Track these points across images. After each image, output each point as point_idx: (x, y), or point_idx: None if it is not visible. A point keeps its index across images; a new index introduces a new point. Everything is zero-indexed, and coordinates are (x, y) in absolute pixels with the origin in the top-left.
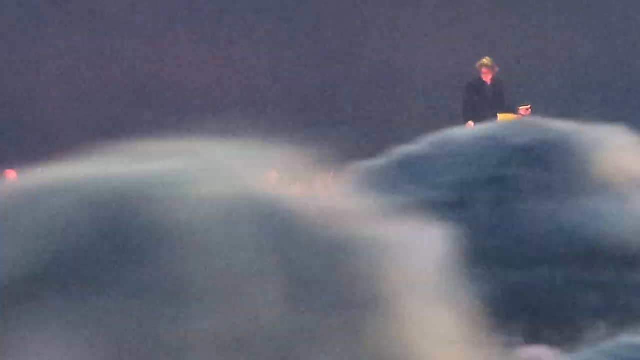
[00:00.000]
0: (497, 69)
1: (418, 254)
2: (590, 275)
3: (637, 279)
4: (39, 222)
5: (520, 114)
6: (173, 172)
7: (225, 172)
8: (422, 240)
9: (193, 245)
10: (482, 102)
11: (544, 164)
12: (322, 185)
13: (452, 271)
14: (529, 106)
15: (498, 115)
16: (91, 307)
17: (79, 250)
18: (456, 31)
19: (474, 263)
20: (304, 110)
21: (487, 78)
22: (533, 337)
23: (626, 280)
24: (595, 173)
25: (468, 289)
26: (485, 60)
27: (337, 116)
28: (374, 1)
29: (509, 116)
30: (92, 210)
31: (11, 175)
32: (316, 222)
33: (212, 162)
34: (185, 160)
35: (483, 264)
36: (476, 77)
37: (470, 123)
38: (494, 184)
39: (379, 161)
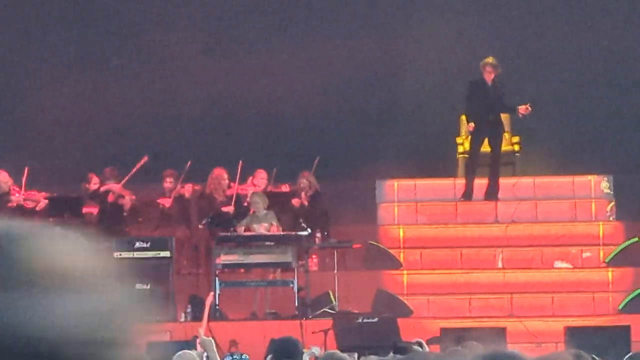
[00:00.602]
0: (500, 68)
1: None
2: None
3: None
4: None
5: (521, 113)
6: None
7: None
8: None
9: None
10: (484, 102)
11: None
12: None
13: None
14: (527, 105)
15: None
16: None
17: None
18: (457, 30)
19: None
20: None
21: (489, 78)
22: None
23: None
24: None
25: None
26: (489, 60)
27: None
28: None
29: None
30: None
31: (2, 176)
32: None
33: None
34: None
35: None
36: (479, 77)
37: (472, 125)
38: None
39: None
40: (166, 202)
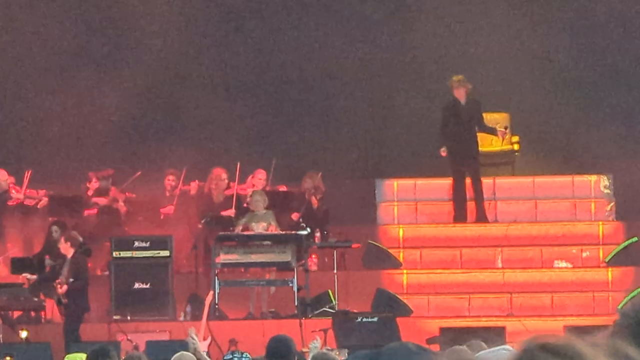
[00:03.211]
0: (469, 85)
1: None
2: None
3: None
4: None
5: (499, 135)
6: None
7: None
8: None
9: None
10: (458, 120)
11: None
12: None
13: None
14: (505, 128)
15: (477, 134)
16: None
17: None
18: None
19: None
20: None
21: (461, 95)
22: None
23: None
24: None
25: None
26: (456, 78)
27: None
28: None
29: (493, 137)
30: None
31: (1, 174)
32: None
33: None
34: None
35: None
36: (450, 99)
37: (444, 151)
38: None
39: None
40: (168, 210)
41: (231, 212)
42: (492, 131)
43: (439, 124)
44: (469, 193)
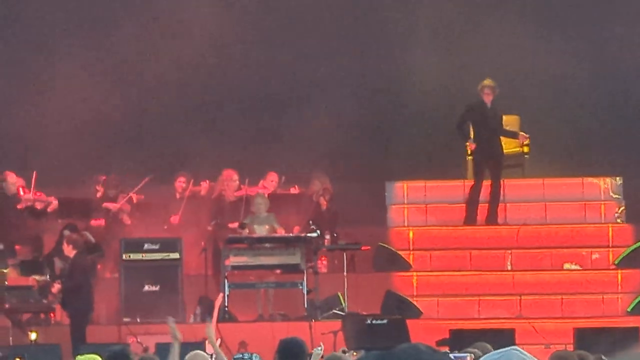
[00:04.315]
0: (497, 90)
1: None
2: None
3: None
4: None
5: (520, 140)
6: None
7: None
8: None
9: None
10: (483, 124)
11: None
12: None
13: None
14: (526, 134)
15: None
16: None
17: None
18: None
19: None
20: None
21: (489, 99)
22: None
23: None
24: None
25: None
26: (487, 82)
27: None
28: None
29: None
30: None
31: (10, 177)
32: None
33: None
34: None
35: None
36: (477, 100)
37: (471, 144)
38: None
39: None
40: (174, 220)
41: (236, 225)
42: (513, 135)
43: (456, 120)
44: (484, 195)
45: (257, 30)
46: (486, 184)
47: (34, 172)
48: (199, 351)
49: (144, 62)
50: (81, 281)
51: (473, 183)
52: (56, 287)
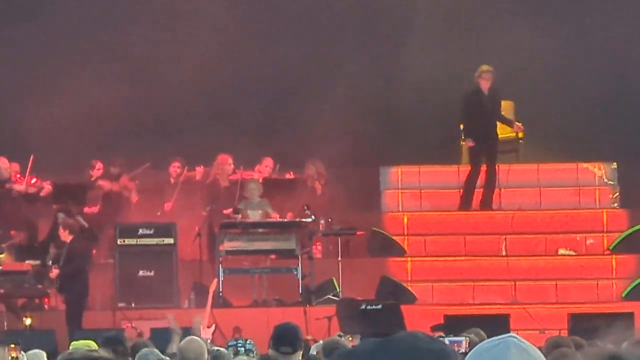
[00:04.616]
0: (494, 76)
1: None
2: None
3: None
4: None
5: (515, 129)
6: None
7: None
8: None
9: None
10: (480, 111)
11: None
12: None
13: None
14: (521, 125)
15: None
16: None
17: None
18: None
19: None
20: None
21: (486, 86)
22: None
23: None
24: None
25: None
26: (486, 67)
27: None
28: None
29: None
30: None
31: (3, 162)
32: None
33: None
34: None
35: None
36: (473, 88)
37: (470, 142)
38: None
39: None
40: (168, 207)
41: (230, 211)
42: (509, 122)
43: (460, 113)
44: (480, 181)
45: (255, 20)
46: (481, 169)
47: (31, 157)
48: (194, 337)
49: (143, 50)
50: (79, 266)
51: (470, 169)
52: (55, 272)
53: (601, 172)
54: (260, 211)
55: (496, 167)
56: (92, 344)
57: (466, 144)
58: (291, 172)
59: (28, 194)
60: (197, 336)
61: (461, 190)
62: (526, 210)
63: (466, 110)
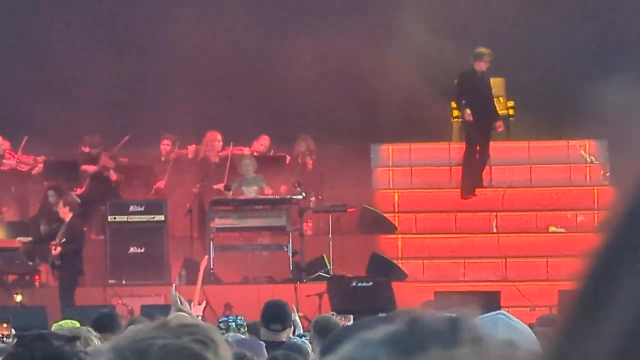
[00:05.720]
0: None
1: None
2: None
3: None
4: None
5: (495, 126)
6: None
7: None
8: None
9: None
10: (477, 92)
11: None
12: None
13: None
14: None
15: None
16: None
17: None
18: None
19: None
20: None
21: (484, 67)
22: None
23: None
24: None
25: None
26: (486, 50)
27: None
28: None
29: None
30: None
31: None
32: None
33: None
34: None
35: None
36: (468, 69)
37: (468, 115)
38: None
39: None
40: (160, 185)
41: (221, 186)
42: (497, 115)
43: (456, 93)
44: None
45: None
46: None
47: (25, 137)
48: (181, 312)
49: (135, 26)
50: (81, 244)
51: (465, 148)
52: (58, 249)
53: (586, 153)
54: (255, 187)
55: (489, 147)
56: (75, 324)
57: (465, 118)
58: (284, 153)
59: (19, 171)
60: (178, 308)
61: (461, 176)
62: (517, 188)
63: (460, 91)
